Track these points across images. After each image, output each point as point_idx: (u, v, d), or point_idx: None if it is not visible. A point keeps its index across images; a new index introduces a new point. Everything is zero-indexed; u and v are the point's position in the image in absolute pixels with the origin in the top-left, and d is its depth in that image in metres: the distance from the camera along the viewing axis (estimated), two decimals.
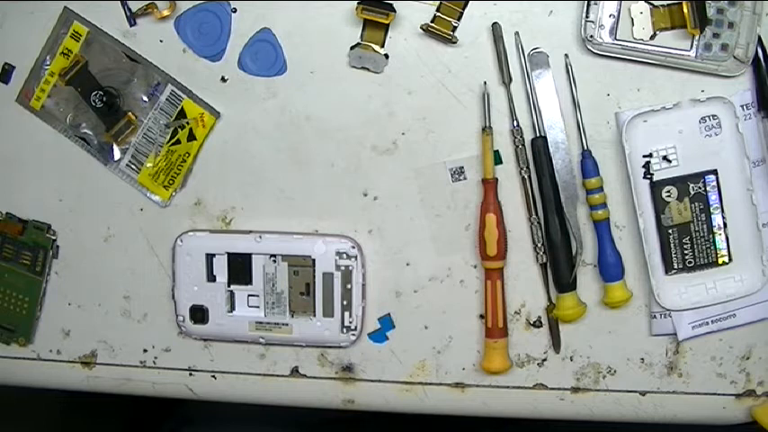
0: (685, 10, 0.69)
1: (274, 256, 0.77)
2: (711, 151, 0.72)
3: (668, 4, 0.70)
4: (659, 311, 0.75)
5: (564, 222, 0.74)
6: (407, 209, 0.77)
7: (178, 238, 0.78)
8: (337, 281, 0.76)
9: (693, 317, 0.75)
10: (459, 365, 0.79)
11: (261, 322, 0.78)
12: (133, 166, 0.78)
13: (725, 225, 0.73)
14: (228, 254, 0.77)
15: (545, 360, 0.78)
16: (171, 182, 0.78)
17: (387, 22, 0.72)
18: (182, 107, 0.76)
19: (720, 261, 0.73)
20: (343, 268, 0.76)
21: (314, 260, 0.76)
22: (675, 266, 0.74)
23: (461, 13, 0.73)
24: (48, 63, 0.77)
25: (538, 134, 0.73)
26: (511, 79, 0.73)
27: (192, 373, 0.82)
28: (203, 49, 0.76)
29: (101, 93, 0.76)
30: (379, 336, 0.79)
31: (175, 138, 0.77)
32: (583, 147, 0.73)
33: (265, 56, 0.75)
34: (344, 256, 0.76)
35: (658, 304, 0.74)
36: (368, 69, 0.74)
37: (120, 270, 0.81)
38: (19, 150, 0.80)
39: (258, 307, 0.78)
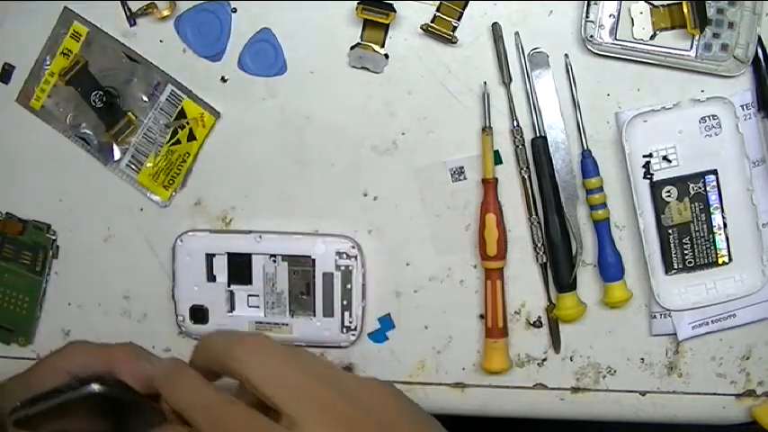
0: (685, 10, 0.69)
1: (274, 256, 0.77)
2: (711, 151, 0.72)
3: (668, 4, 0.70)
4: (659, 311, 0.75)
5: (564, 222, 0.74)
6: (407, 209, 0.77)
7: (178, 238, 0.78)
8: (337, 281, 0.76)
9: (693, 317, 0.75)
10: (459, 365, 0.79)
11: (261, 322, 0.78)
12: (133, 166, 0.78)
13: (725, 225, 0.73)
14: (228, 254, 0.77)
15: (545, 360, 0.78)
16: (171, 182, 0.78)
17: (387, 22, 0.72)
18: (182, 107, 0.76)
19: (720, 261, 0.73)
20: (343, 268, 0.76)
21: (314, 260, 0.76)
22: (675, 266, 0.74)
23: (461, 13, 0.73)
24: (48, 63, 0.77)
25: (538, 134, 0.73)
26: (511, 79, 0.73)
27: None
28: (203, 49, 0.76)
29: (101, 93, 0.76)
30: (379, 336, 0.79)
31: (175, 138, 0.77)
32: (583, 147, 0.73)
33: (265, 56, 0.75)
34: (344, 256, 0.76)
35: (658, 304, 0.74)
36: (368, 69, 0.74)
37: (120, 270, 0.81)
38: (19, 150, 0.79)
39: (258, 307, 0.78)
